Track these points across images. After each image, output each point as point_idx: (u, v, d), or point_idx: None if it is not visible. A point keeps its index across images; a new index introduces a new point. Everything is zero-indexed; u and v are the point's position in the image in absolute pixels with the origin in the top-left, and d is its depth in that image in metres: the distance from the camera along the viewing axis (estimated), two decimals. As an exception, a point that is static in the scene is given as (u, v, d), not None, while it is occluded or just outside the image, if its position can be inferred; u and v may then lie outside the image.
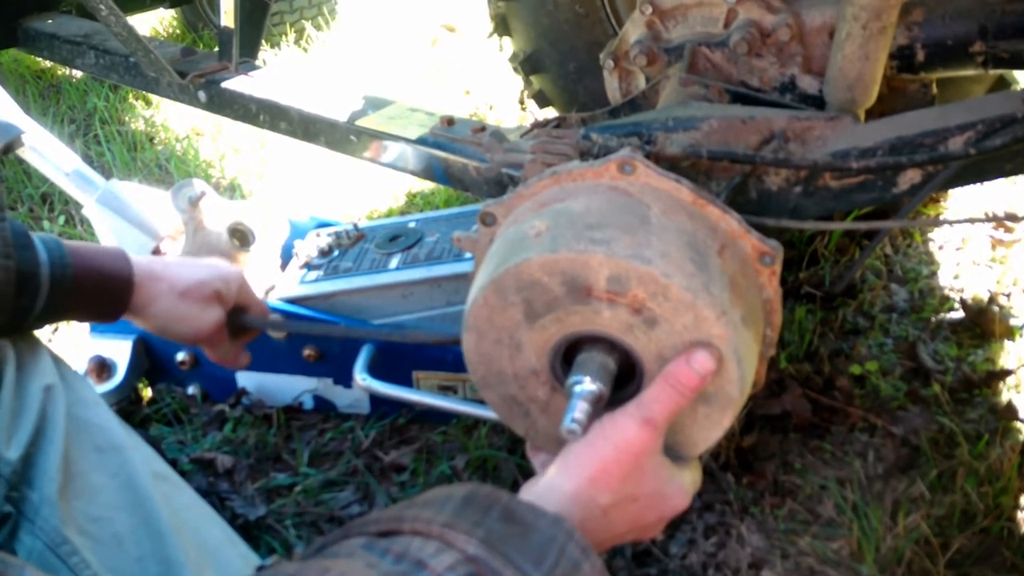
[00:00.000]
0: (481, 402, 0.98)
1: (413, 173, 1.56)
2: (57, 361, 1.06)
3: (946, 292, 1.75)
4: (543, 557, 0.67)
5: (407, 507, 0.70)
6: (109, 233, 1.48)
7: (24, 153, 1.53)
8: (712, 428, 0.84)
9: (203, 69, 1.85)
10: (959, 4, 1.13)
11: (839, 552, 1.24)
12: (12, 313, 1.01)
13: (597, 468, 0.77)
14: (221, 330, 1.24)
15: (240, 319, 1.28)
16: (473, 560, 0.65)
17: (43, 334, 1.09)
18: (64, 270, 1.05)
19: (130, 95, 3.04)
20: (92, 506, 0.90)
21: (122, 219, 1.49)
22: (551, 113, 1.91)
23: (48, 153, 1.54)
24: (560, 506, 0.75)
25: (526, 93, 1.96)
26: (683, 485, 0.82)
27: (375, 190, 2.33)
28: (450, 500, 0.70)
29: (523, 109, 2.16)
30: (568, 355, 0.85)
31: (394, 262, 1.46)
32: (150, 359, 1.59)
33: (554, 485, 0.77)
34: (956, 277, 1.79)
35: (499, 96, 2.75)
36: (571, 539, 0.70)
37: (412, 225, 1.57)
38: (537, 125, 1.28)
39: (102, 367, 1.52)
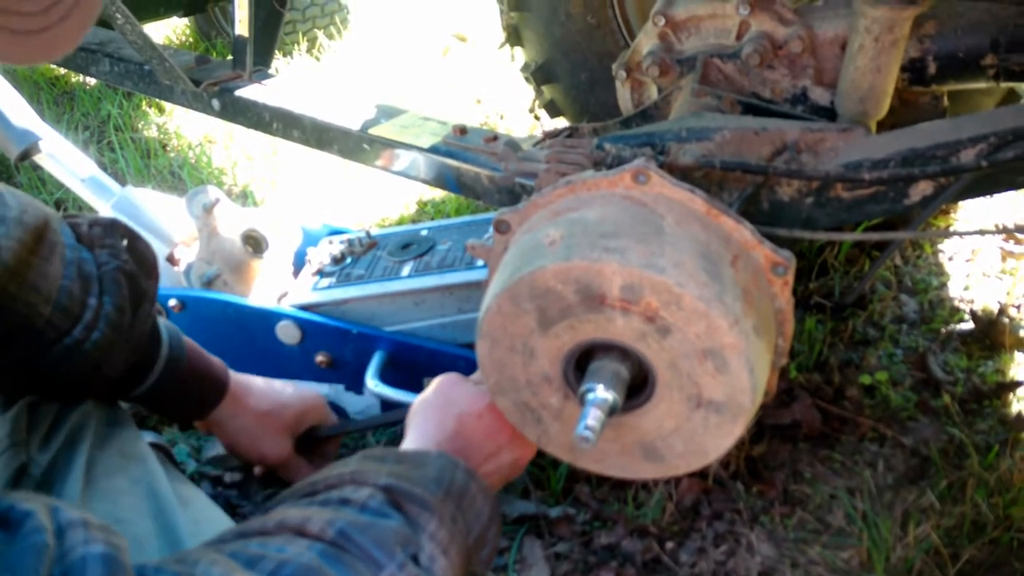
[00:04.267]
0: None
1: (425, 182, 1.57)
2: None
3: (956, 303, 1.75)
4: (440, 480, 0.80)
5: (315, 477, 0.80)
6: (124, 239, 1.49)
7: (41, 159, 1.55)
8: (723, 437, 0.84)
9: (217, 77, 1.86)
10: (971, 17, 1.13)
11: (849, 562, 1.24)
12: (119, 383, 1.06)
13: (425, 414, 0.94)
14: (288, 457, 1.26)
15: (311, 436, 1.30)
16: (386, 489, 0.76)
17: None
18: (180, 354, 1.12)
19: (143, 102, 3.06)
20: (116, 508, 0.91)
21: (137, 225, 1.50)
22: (562, 123, 1.92)
23: (65, 159, 1.55)
24: (429, 449, 0.89)
25: (537, 103, 1.97)
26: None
27: (387, 198, 2.34)
28: (348, 460, 0.82)
29: (535, 119, 2.17)
30: (581, 363, 0.86)
31: (406, 269, 1.47)
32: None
33: (413, 440, 0.92)
34: (966, 288, 1.79)
35: (510, 106, 2.76)
36: (457, 466, 0.83)
37: (424, 233, 1.57)
38: (549, 135, 1.29)
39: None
